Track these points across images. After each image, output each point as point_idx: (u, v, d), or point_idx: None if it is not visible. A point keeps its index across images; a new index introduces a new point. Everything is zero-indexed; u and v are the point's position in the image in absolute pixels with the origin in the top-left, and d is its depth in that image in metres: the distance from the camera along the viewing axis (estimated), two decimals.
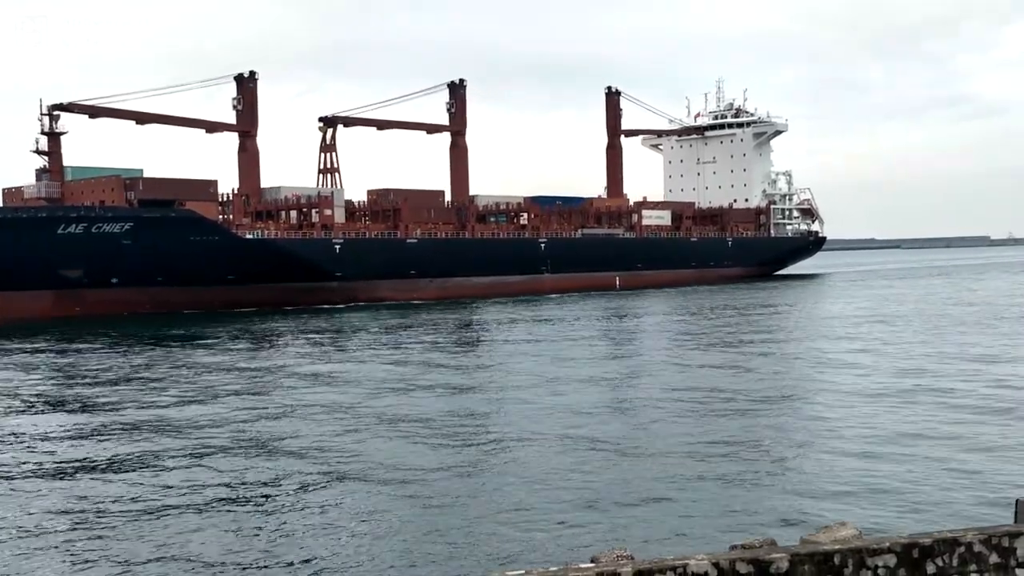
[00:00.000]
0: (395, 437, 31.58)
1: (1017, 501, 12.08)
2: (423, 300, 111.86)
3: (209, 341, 68.29)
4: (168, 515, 22.84)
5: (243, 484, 25.80)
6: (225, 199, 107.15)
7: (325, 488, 25.03)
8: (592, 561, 10.06)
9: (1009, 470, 25.46)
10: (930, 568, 10.07)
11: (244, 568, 19.10)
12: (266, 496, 24.53)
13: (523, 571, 9.23)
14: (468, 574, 9.84)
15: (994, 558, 10.28)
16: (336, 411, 36.80)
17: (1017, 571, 10.31)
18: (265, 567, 19.12)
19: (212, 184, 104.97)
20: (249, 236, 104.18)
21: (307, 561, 19.32)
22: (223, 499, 24.27)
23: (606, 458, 27.79)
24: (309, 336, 71.67)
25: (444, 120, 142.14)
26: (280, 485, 25.53)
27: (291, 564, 19.22)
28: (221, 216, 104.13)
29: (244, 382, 46.72)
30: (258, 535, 21.18)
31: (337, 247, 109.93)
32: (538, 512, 22.16)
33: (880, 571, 9.92)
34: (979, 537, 10.30)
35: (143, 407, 39.51)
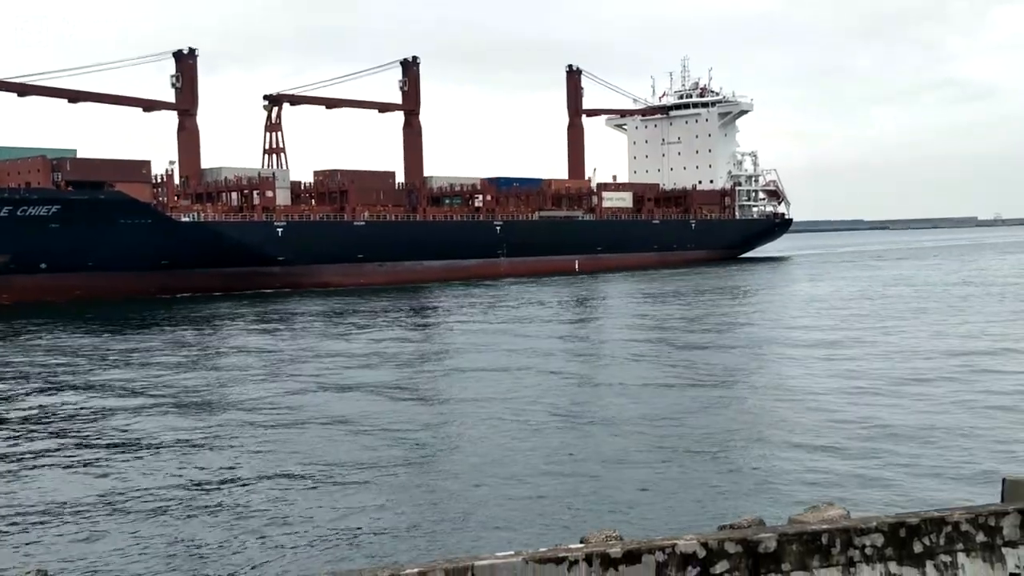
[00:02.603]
0: (353, 428, 29.85)
1: (1004, 480, 12.11)
2: (372, 285, 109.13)
3: (130, 332, 65.57)
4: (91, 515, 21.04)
5: (169, 483, 23.97)
6: (159, 180, 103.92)
7: (279, 481, 23.68)
8: (582, 541, 10.13)
9: (995, 447, 24.95)
10: (917, 547, 10.24)
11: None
12: (215, 492, 22.83)
13: (513, 552, 9.16)
14: (457, 558, 9.31)
15: (980, 537, 10.45)
16: (280, 404, 34.63)
17: (1003, 550, 10.47)
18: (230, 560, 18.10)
19: (145, 165, 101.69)
20: (185, 219, 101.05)
21: (281, 547, 18.66)
22: (144, 501, 22.38)
23: (588, 442, 27.12)
24: (244, 323, 69.11)
25: (397, 99, 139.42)
26: (234, 482, 23.76)
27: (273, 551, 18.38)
28: (155, 198, 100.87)
29: (169, 372, 44.29)
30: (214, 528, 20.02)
31: (279, 230, 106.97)
32: (524, 495, 21.77)
33: (867, 550, 10.08)
34: (966, 516, 10.47)
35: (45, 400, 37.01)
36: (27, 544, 19.19)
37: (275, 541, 18.98)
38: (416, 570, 8.67)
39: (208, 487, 23.12)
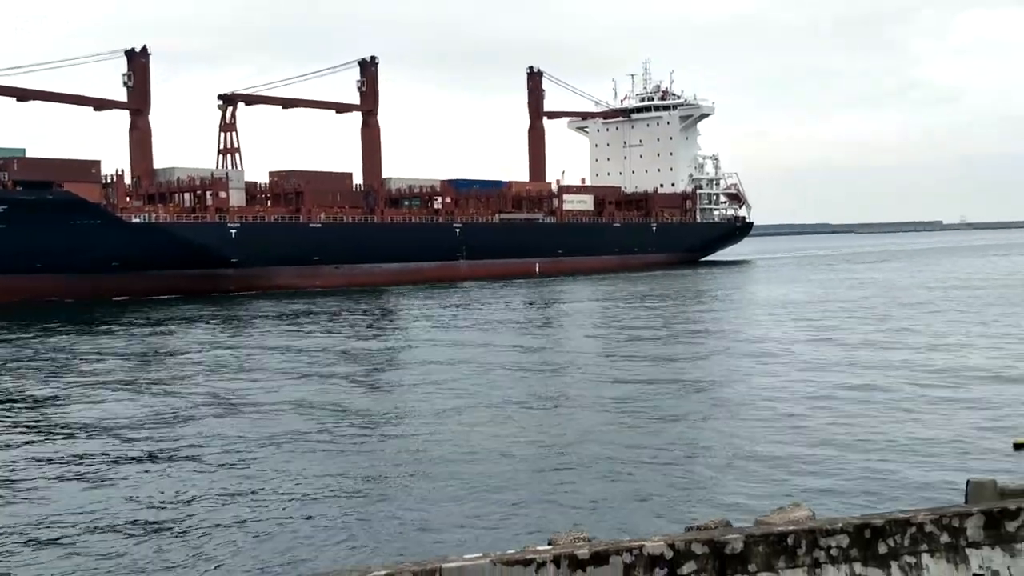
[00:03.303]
0: (309, 432, 29.70)
1: (968, 481, 12.43)
2: (328, 288, 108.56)
3: (78, 335, 64.74)
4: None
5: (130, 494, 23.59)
6: (109, 181, 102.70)
7: (235, 485, 23.58)
8: (549, 543, 10.33)
9: (960, 449, 25.32)
10: (882, 548, 10.43)
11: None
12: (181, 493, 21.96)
13: (480, 554, 9.25)
14: (426, 560, 9.32)
15: (945, 538, 10.66)
16: (235, 407, 34.40)
17: (967, 550, 10.68)
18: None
19: (95, 165, 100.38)
20: (136, 220, 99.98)
21: (240, 553, 18.68)
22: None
23: (551, 446, 27.24)
24: (196, 326, 68.46)
25: (355, 99, 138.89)
26: (187, 493, 23.40)
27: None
28: (105, 199, 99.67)
29: (113, 377, 43.67)
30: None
31: (233, 231, 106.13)
32: (491, 497, 21.85)
33: (833, 551, 10.26)
34: (930, 517, 10.69)
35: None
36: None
37: (236, 547, 18.88)
38: (384, 572, 8.70)
39: (159, 499, 22.91)
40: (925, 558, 10.71)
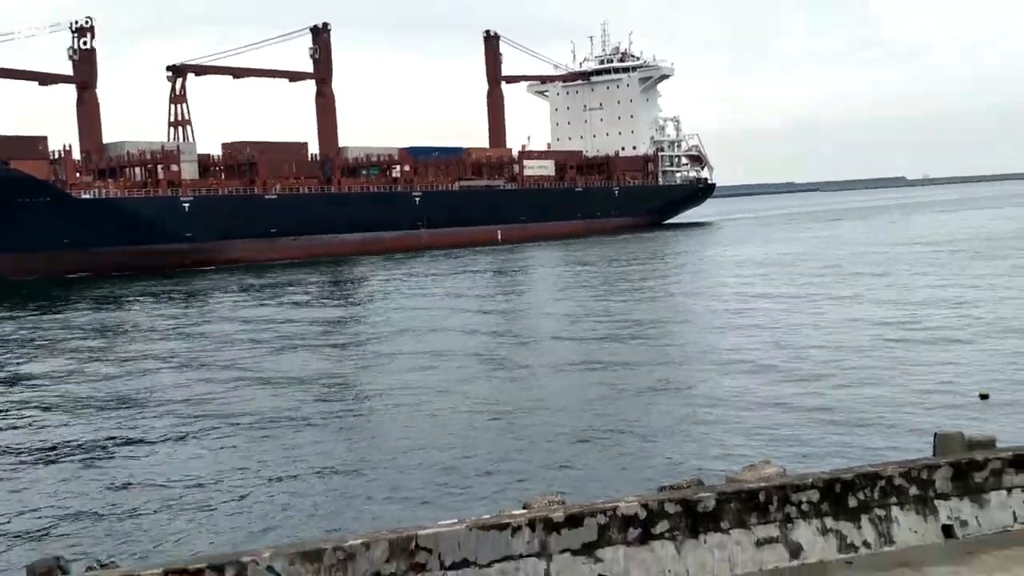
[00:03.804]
0: (277, 402, 29.99)
1: (935, 435, 12.73)
2: (285, 260, 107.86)
3: (28, 315, 63.95)
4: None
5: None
6: (57, 156, 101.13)
7: (207, 454, 24.04)
8: (524, 507, 10.48)
9: (927, 403, 25.75)
10: (852, 502, 10.67)
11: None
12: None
13: (456, 520, 9.35)
14: (401, 528, 9.27)
15: (914, 490, 10.95)
16: (200, 381, 34.39)
17: (936, 502, 10.95)
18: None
19: (41, 141, 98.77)
20: (86, 196, 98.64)
21: (212, 523, 18.91)
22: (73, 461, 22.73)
23: (522, 408, 27.65)
24: (147, 303, 67.84)
25: (308, 67, 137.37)
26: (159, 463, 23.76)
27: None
28: (53, 175, 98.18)
29: (71, 357, 43.32)
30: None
31: (186, 205, 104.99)
32: (462, 464, 22.07)
33: (804, 506, 10.48)
34: (899, 471, 10.98)
35: None
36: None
37: (207, 515, 18.97)
38: (360, 540, 8.74)
39: (129, 474, 22.84)
40: (895, 511, 10.93)
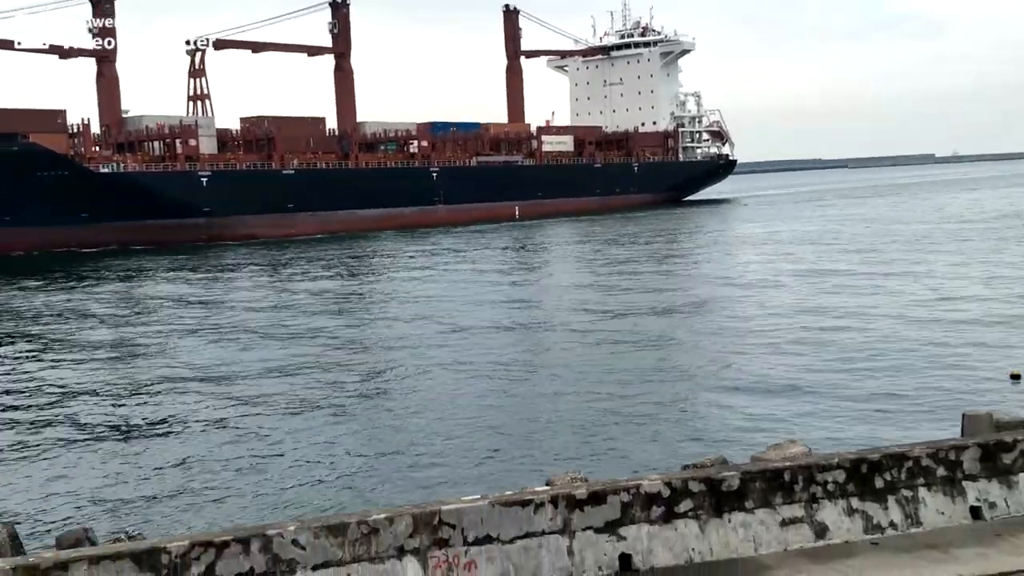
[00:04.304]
0: (300, 380, 30.01)
1: (963, 415, 12.67)
2: (303, 236, 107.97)
3: (47, 289, 64.33)
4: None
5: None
6: (76, 130, 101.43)
7: (230, 430, 24.20)
8: (548, 484, 10.48)
9: (956, 381, 25.62)
10: (878, 483, 10.60)
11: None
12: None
13: (479, 496, 9.36)
14: (425, 503, 9.37)
15: (941, 471, 10.85)
16: (218, 359, 34.47)
17: (964, 483, 10.88)
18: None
19: (60, 114, 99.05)
20: (104, 170, 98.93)
21: (240, 495, 19.07)
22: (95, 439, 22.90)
23: (546, 385, 27.92)
24: (166, 276, 68.16)
25: (327, 42, 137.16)
26: (181, 430, 24.14)
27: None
28: (71, 149, 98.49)
29: (96, 327, 43.47)
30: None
31: (204, 180, 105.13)
32: (486, 440, 22.17)
33: (829, 486, 10.43)
34: (926, 451, 10.86)
35: None
36: None
37: (235, 489, 19.12)
38: (384, 515, 8.77)
39: (155, 434, 22.99)
40: (922, 492, 10.85)
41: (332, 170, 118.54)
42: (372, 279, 61.84)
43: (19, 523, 15.03)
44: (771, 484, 10.26)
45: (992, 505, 11.01)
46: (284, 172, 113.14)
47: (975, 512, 10.95)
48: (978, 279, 46.76)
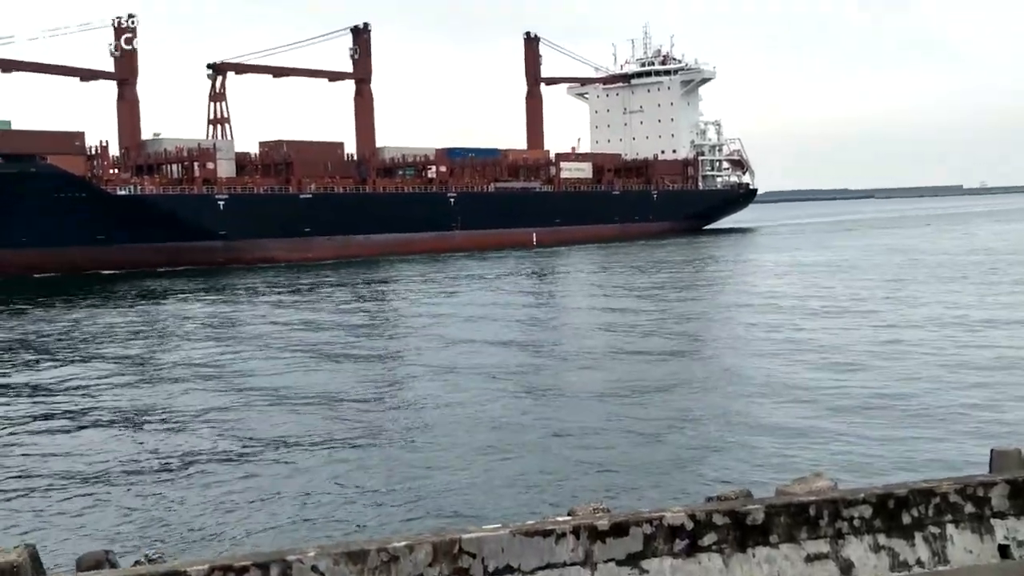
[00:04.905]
0: (320, 406, 29.96)
1: (992, 450, 12.32)
2: (319, 260, 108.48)
3: (66, 310, 64.72)
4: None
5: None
6: (94, 152, 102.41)
7: (249, 457, 24.06)
8: (569, 514, 10.34)
9: (983, 418, 25.42)
10: (905, 519, 10.43)
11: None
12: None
13: (499, 525, 9.32)
14: (445, 531, 9.42)
15: (969, 508, 10.63)
16: (237, 383, 34.43)
17: (992, 520, 10.63)
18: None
19: (78, 136, 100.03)
20: (121, 192, 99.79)
21: (259, 522, 19.09)
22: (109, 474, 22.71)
23: (566, 414, 27.69)
24: (180, 298, 68.44)
25: (348, 67, 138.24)
26: (200, 459, 23.96)
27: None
28: (89, 171, 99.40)
29: (113, 347, 43.68)
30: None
31: (220, 203, 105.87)
32: (508, 469, 22.17)
33: (855, 522, 10.26)
34: (954, 487, 10.65)
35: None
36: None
37: (254, 516, 19.17)
38: (404, 543, 8.74)
39: (173, 462, 23.06)
40: (949, 528, 10.74)
41: (349, 194, 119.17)
42: (390, 304, 61.99)
43: (41, 543, 15.07)
44: (796, 518, 10.10)
45: (1021, 544, 10.88)
46: (301, 196, 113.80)
47: (1003, 551, 10.82)
48: (1009, 311, 46.43)
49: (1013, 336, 39.01)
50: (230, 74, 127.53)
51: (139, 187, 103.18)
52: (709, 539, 9.82)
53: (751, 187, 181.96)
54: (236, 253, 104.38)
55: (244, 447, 24.95)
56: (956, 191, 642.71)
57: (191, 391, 33.03)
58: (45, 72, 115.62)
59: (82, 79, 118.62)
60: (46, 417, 29.63)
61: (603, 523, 9.52)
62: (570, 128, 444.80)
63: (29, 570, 8.59)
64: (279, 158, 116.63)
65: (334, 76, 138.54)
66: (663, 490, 19.91)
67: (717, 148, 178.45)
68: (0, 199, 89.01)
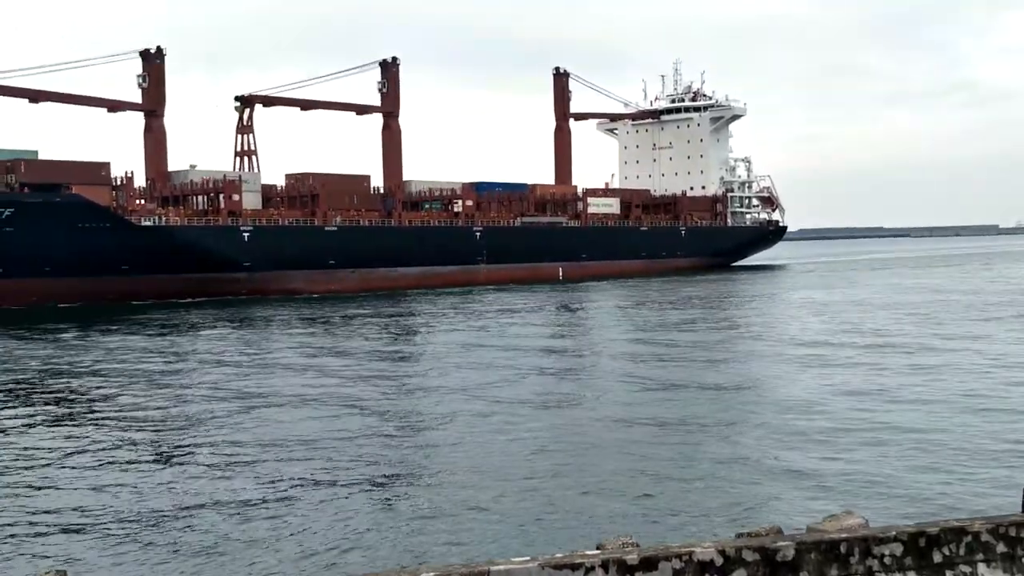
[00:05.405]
0: (343, 439, 29.90)
1: None
2: (343, 292, 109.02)
3: (88, 340, 65.24)
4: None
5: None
6: (119, 183, 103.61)
7: (272, 490, 23.97)
8: (598, 548, 10.21)
9: (1016, 455, 25.45)
10: (937, 557, 10.34)
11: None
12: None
13: (528, 558, 9.33)
14: (474, 563, 9.40)
15: (1001, 547, 10.54)
16: (259, 416, 34.42)
17: None
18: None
19: (104, 167, 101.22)
20: (146, 223, 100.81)
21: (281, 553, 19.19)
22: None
23: (594, 449, 27.84)
24: (206, 330, 68.86)
25: (376, 101, 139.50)
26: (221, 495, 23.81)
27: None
28: (114, 201, 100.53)
29: (135, 380, 44.00)
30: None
31: (246, 235, 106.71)
32: (535, 501, 22.41)
33: (886, 560, 10.20)
34: (986, 526, 10.55)
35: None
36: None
37: (278, 549, 19.17)
38: (433, 574, 8.75)
39: (195, 498, 23.11)
40: (981, 568, 10.65)
41: (375, 227, 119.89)
42: (416, 338, 62.10)
43: (73, 569, 15.21)
44: (827, 556, 10.01)
45: None
46: (326, 228, 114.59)
47: None
48: None
49: None
50: (258, 106, 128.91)
51: (164, 218, 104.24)
52: (739, 575, 9.79)
53: (781, 224, 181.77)
54: (260, 284, 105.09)
55: (277, 479, 24.99)
56: (992, 230, 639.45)
57: (228, 426, 33.17)
58: (73, 103, 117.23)
59: (109, 110, 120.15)
60: (77, 452, 29.81)
61: (632, 557, 9.48)
62: (598, 164, 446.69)
63: None
64: (305, 190, 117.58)
65: (362, 109, 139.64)
66: (693, 527, 19.83)
67: (747, 185, 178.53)
68: (26, 228, 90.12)
